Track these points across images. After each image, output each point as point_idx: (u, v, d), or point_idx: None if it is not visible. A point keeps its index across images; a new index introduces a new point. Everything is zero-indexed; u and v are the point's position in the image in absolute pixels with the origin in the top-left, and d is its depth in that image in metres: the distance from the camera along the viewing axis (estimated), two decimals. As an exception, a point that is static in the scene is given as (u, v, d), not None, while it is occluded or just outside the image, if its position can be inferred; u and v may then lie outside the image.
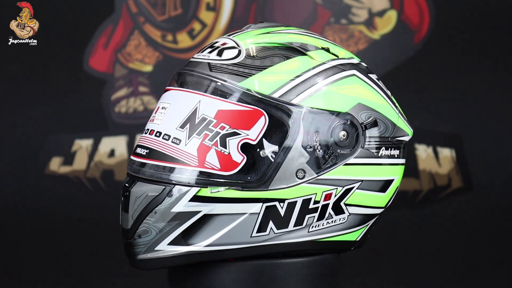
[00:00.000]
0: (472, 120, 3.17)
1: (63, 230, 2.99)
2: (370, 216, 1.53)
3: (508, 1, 3.22)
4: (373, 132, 1.49)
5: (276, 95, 1.44)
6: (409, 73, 3.18)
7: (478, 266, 2.84)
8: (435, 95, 3.18)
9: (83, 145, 3.17)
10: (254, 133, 1.42)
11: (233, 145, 1.42)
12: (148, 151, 1.46)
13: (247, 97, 1.44)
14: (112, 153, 3.17)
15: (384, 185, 1.52)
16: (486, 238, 2.99)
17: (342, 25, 3.23)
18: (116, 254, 1.57)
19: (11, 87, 3.15)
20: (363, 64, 1.55)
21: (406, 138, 1.54)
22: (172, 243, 1.43)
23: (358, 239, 1.53)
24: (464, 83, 3.19)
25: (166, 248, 1.44)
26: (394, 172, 1.53)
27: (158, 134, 1.46)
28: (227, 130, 1.42)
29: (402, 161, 1.55)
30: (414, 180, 3.15)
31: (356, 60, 1.54)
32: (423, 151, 3.17)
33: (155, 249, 1.44)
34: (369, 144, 1.49)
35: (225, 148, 1.42)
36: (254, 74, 1.45)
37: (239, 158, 1.42)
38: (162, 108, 1.49)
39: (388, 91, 1.56)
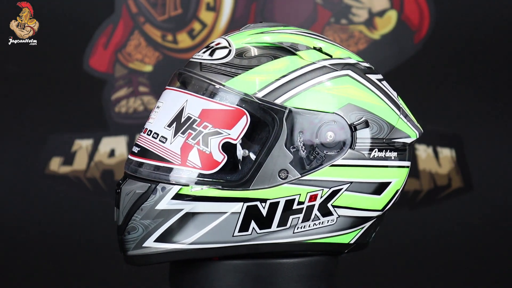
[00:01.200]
0: (472, 120, 3.17)
1: (63, 229, 2.99)
2: (364, 219, 1.51)
3: (509, 2, 3.22)
4: (364, 133, 1.48)
5: (259, 95, 1.45)
6: (409, 73, 3.18)
7: (478, 266, 2.84)
8: (435, 95, 3.18)
9: (83, 145, 3.17)
10: (235, 133, 1.44)
11: (214, 144, 1.43)
12: (139, 149, 1.49)
13: (230, 97, 1.45)
14: (112, 153, 3.17)
15: (378, 188, 1.50)
16: (486, 238, 2.99)
17: (342, 25, 3.23)
18: (116, 254, 1.57)
19: (11, 87, 3.15)
20: (363, 64, 1.54)
21: (408, 140, 1.53)
22: (158, 240, 1.45)
23: (352, 241, 1.53)
24: (464, 83, 3.19)
25: (152, 245, 1.46)
26: (391, 175, 1.51)
27: (149, 133, 1.49)
28: (209, 129, 1.44)
29: (403, 163, 1.53)
30: (414, 180, 3.15)
31: (353, 60, 1.53)
32: (423, 151, 3.17)
33: (143, 245, 1.46)
34: (359, 145, 1.48)
35: (207, 147, 1.44)
36: (240, 74, 1.46)
37: (220, 157, 1.43)
38: (157, 107, 1.51)
39: (393, 92, 1.55)
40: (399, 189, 1.54)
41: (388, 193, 1.52)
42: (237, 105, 1.44)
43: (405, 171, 1.54)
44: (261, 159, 1.44)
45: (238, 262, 1.48)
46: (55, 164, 3.15)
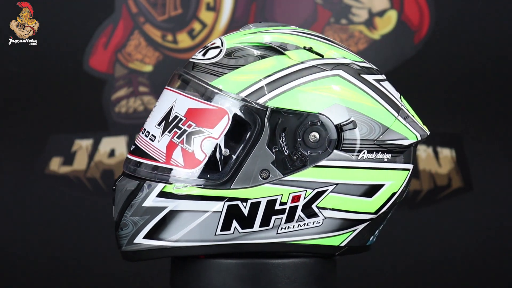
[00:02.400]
0: (472, 120, 3.17)
1: (63, 229, 2.99)
2: (355, 221, 1.50)
3: (509, 2, 3.22)
4: (352, 134, 1.47)
5: (243, 94, 1.46)
6: (409, 73, 3.18)
7: (478, 266, 2.84)
8: (435, 95, 3.18)
9: (83, 145, 3.17)
10: (217, 132, 1.45)
11: (196, 143, 1.45)
12: (134, 147, 1.53)
13: (214, 96, 1.46)
14: (112, 153, 3.17)
15: (368, 190, 1.49)
16: (486, 238, 2.98)
17: (342, 25, 3.23)
18: (116, 254, 1.59)
19: (11, 87, 3.15)
20: (360, 64, 1.53)
21: (404, 142, 1.51)
22: (146, 237, 1.48)
23: (343, 244, 1.52)
24: (464, 82, 3.19)
25: (142, 242, 1.48)
26: (383, 177, 1.50)
27: (143, 131, 1.52)
28: (193, 128, 1.46)
29: (399, 165, 1.51)
30: (414, 180, 3.15)
31: (348, 60, 1.52)
32: (423, 151, 3.17)
33: (134, 242, 1.49)
34: (347, 147, 1.47)
35: (190, 146, 1.45)
36: (226, 73, 1.47)
37: (202, 156, 1.45)
38: (154, 106, 1.54)
39: (395, 93, 1.54)
40: (396, 192, 1.51)
41: (381, 196, 1.50)
42: (220, 104, 1.46)
43: (403, 174, 1.52)
44: (242, 158, 1.44)
45: (222, 261, 1.50)
46: (55, 164, 3.15)
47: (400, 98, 1.56)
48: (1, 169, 3.10)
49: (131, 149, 1.54)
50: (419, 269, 2.83)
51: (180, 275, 1.54)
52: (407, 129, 1.52)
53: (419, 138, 1.53)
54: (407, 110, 1.55)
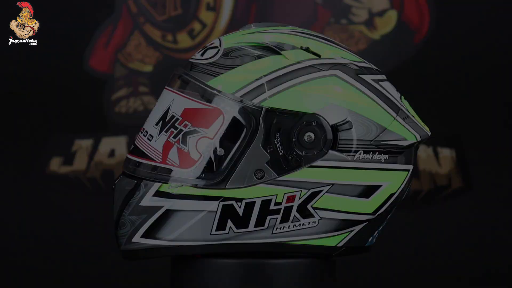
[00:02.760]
0: (472, 120, 3.17)
1: (63, 230, 2.99)
2: (352, 222, 1.49)
3: (509, 1, 3.22)
4: (348, 135, 1.46)
5: (238, 94, 1.45)
6: (409, 73, 3.18)
7: (478, 266, 2.84)
8: (435, 95, 3.18)
9: (83, 145, 3.17)
10: (212, 132, 1.45)
11: (192, 142, 1.45)
12: (133, 147, 1.53)
13: (210, 96, 1.46)
14: (112, 153, 3.17)
15: (365, 191, 1.48)
16: (486, 238, 2.98)
17: (342, 25, 3.23)
18: (116, 254, 1.59)
19: (11, 87, 3.15)
20: (358, 64, 1.52)
21: (403, 143, 1.49)
22: (143, 236, 1.48)
23: (340, 245, 1.51)
24: (464, 82, 3.19)
25: (140, 241, 1.48)
26: (380, 178, 1.49)
27: (142, 131, 1.52)
28: (189, 128, 1.46)
29: (397, 166, 1.50)
30: (414, 180, 3.15)
31: (346, 60, 1.51)
32: (423, 151, 3.17)
33: (132, 241, 1.49)
34: (342, 147, 1.46)
35: (185, 145, 1.46)
36: (222, 73, 1.47)
37: (197, 156, 1.45)
38: (154, 106, 1.54)
39: (395, 93, 1.52)
40: (394, 193, 1.50)
41: (378, 197, 1.49)
42: (215, 104, 1.46)
43: (402, 174, 1.51)
44: (236, 158, 1.44)
45: (218, 260, 1.50)
46: (55, 164, 3.15)
47: (401, 98, 1.55)
48: (1, 169, 3.10)
49: (131, 149, 1.54)
50: (419, 269, 2.83)
51: (178, 274, 1.55)
52: (406, 130, 1.51)
53: (419, 139, 1.52)
54: (407, 111, 1.54)
